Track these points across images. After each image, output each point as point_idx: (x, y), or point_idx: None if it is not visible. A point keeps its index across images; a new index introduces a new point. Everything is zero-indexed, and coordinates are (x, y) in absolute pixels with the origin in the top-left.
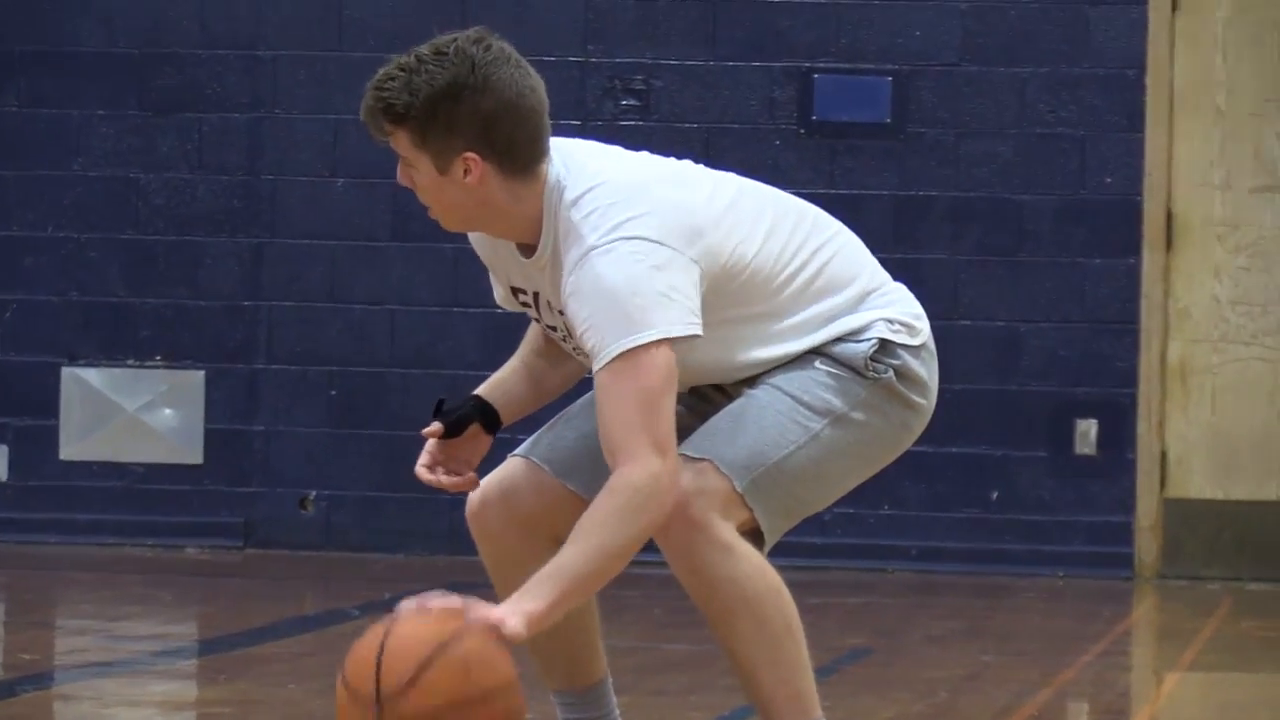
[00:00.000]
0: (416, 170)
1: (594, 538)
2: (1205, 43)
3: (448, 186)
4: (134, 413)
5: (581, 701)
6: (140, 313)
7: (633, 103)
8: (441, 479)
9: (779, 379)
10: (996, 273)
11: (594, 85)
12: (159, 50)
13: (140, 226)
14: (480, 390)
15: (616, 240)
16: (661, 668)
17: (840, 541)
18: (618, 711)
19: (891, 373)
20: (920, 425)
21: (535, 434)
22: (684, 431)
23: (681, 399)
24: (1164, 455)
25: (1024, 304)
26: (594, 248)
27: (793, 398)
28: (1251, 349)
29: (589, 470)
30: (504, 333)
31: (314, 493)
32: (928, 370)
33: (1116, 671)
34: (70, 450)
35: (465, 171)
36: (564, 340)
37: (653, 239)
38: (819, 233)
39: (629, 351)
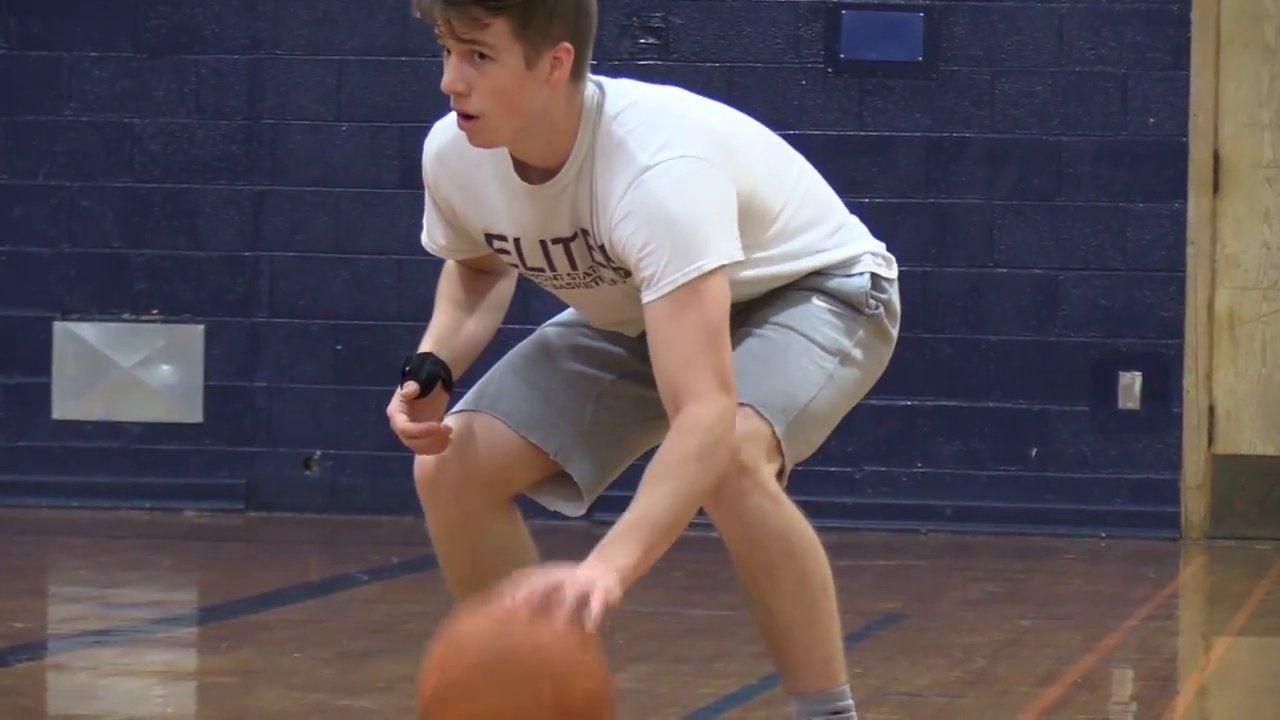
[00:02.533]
0: (498, 65)
1: (674, 481)
2: None
3: (529, 84)
4: (130, 369)
5: None
6: (136, 264)
7: (651, 41)
8: (420, 428)
9: (784, 317)
10: (1034, 218)
11: (610, 23)
12: None
13: (135, 174)
14: (428, 347)
15: (669, 159)
16: (683, 634)
17: (872, 501)
18: None
19: (883, 308)
20: (887, 360)
21: (474, 390)
22: (637, 375)
23: (623, 339)
24: (1211, 409)
25: (1063, 251)
26: (647, 167)
27: (806, 337)
28: None
29: (549, 422)
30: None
31: (318, 452)
32: (898, 304)
33: (1163, 636)
34: (63, 409)
35: (553, 66)
36: (553, 280)
37: (701, 155)
38: (794, 164)
39: (691, 281)
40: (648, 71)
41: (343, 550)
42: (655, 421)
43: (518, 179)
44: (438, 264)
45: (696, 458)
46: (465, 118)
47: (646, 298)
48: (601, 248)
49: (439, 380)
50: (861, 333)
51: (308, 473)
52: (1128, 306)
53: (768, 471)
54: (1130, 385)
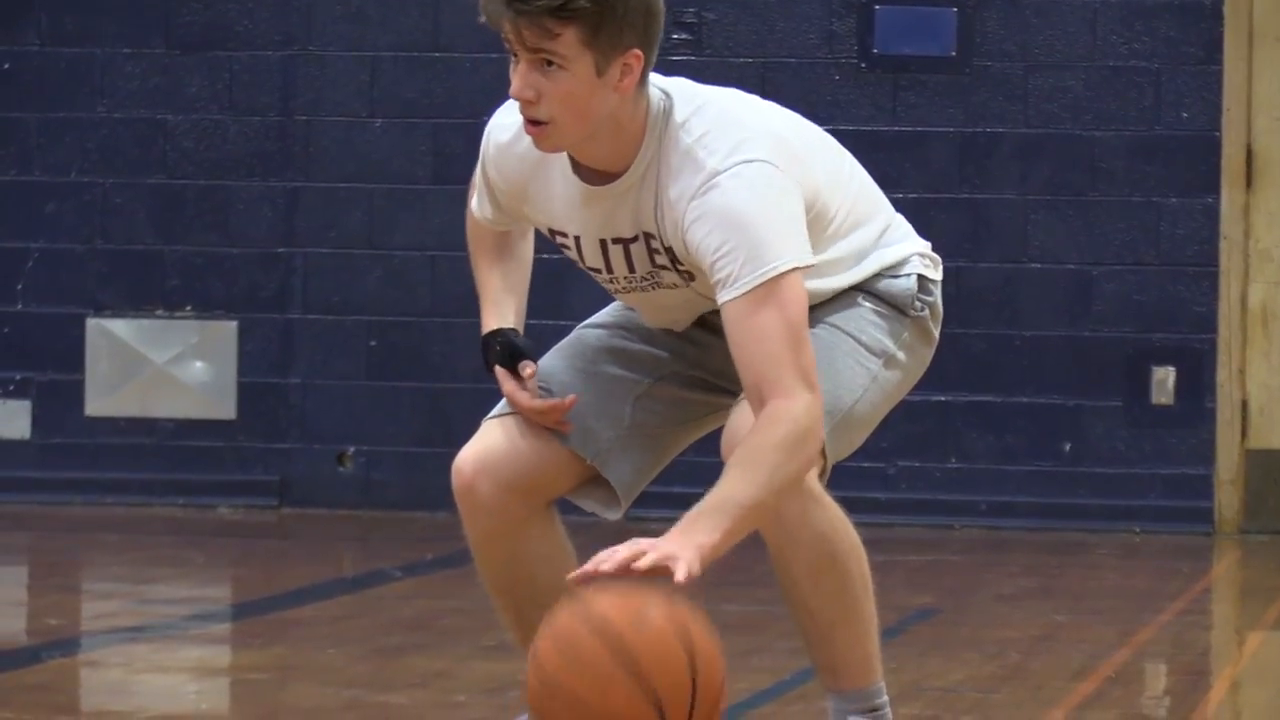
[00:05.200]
0: (568, 74)
1: (762, 469)
2: None
3: (598, 92)
4: (163, 366)
5: None
6: (169, 261)
7: (684, 36)
8: (554, 404)
9: (833, 318)
10: (1067, 213)
11: None
12: None
13: (169, 170)
14: (496, 321)
15: (739, 163)
16: (718, 629)
17: (906, 497)
18: None
19: (928, 310)
20: (929, 361)
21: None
22: (676, 378)
23: (662, 341)
24: (1245, 404)
25: (1096, 246)
26: (718, 171)
27: (852, 338)
28: None
29: (587, 428)
30: (551, 279)
31: (352, 448)
32: (941, 305)
33: (1196, 631)
34: (96, 406)
35: (623, 73)
36: (609, 282)
37: (771, 161)
38: (846, 162)
39: (768, 282)
40: (681, 68)
41: (377, 546)
42: (694, 423)
43: (576, 180)
44: (469, 260)
45: (784, 447)
46: (533, 124)
47: (724, 297)
48: (669, 250)
49: (527, 351)
50: (906, 334)
51: (341, 469)
52: (1161, 301)
53: (812, 475)
54: (1164, 380)
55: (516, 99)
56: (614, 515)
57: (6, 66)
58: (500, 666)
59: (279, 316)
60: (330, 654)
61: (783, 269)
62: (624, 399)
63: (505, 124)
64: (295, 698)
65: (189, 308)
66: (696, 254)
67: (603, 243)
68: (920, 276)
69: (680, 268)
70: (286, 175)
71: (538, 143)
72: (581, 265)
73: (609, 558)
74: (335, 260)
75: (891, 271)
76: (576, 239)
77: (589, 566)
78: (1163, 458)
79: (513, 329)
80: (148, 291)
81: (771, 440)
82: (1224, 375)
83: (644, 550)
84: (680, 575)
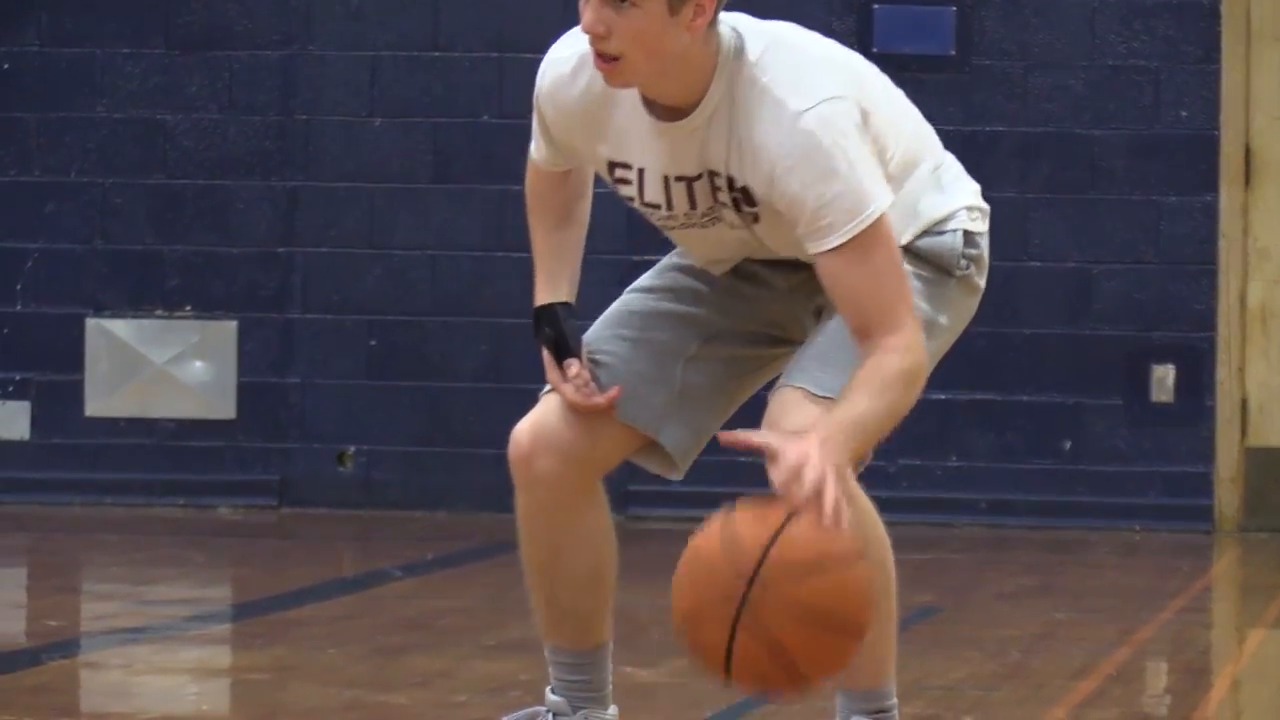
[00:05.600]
0: (640, 11)
1: (888, 395)
2: None
3: (670, 30)
4: (163, 366)
5: (582, 664)
6: (169, 261)
7: None
8: (598, 402)
9: None
10: (1067, 212)
11: None
12: None
13: (168, 170)
14: (548, 295)
15: (820, 102)
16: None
17: (906, 495)
18: (612, 681)
19: (973, 266)
20: (974, 311)
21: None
22: (724, 336)
23: (709, 299)
24: (1245, 402)
25: (1096, 244)
26: (802, 112)
27: None
28: None
29: (639, 396)
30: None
31: (352, 448)
32: (988, 255)
33: (1197, 629)
34: (96, 406)
35: (696, 13)
36: (666, 219)
37: (850, 98)
38: (899, 97)
39: (869, 228)
40: None
41: (377, 546)
42: (748, 377)
43: (646, 114)
44: (473, 258)
45: (905, 380)
46: (603, 59)
47: (825, 245)
48: (743, 190)
49: (574, 339)
50: (949, 294)
51: (341, 468)
52: (1160, 300)
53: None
54: (1163, 378)
55: (587, 33)
56: (676, 476)
57: (6, 66)
58: (501, 666)
59: (279, 316)
60: (330, 654)
61: (877, 214)
62: (674, 363)
63: (563, 58)
64: (295, 698)
65: (189, 307)
66: (792, 204)
67: (666, 179)
68: (966, 232)
69: (746, 209)
70: (286, 175)
71: (608, 78)
72: (637, 202)
73: (782, 474)
74: (335, 260)
75: (937, 228)
76: (640, 172)
77: (753, 439)
78: (1163, 456)
79: (564, 305)
80: (147, 291)
81: (896, 370)
82: (1223, 373)
83: (807, 480)
84: (830, 503)
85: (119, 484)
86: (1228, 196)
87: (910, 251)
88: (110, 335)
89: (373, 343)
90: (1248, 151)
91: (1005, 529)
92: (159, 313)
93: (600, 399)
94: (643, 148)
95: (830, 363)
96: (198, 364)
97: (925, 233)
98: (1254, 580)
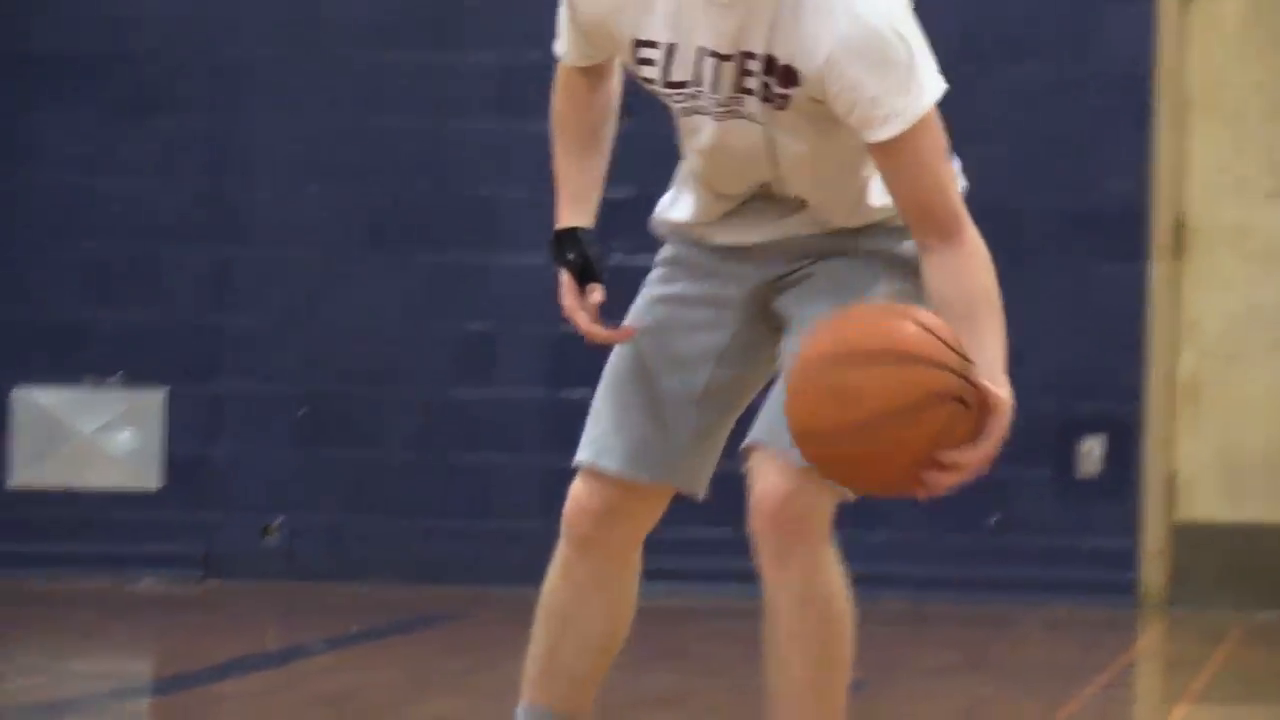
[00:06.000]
0: None
1: (992, 306)
2: (1217, 39)
3: None
4: (90, 435)
5: None
6: (98, 329)
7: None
8: (613, 334)
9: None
10: (998, 283)
11: None
12: (117, 49)
13: (98, 237)
14: (571, 217)
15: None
16: (640, 704)
17: None
18: None
19: None
20: None
21: (590, 439)
22: (726, 357)
23: (704, 320)
24: (1172, 476)
25: (1026, 315)
26: (863, 13)
27: None
28: (1266, 363)
29: (671, 462)
30: (476, 348)
31: (278, 519)
32: None
33: (1122, 704)
34: (20, 477)
35: None
36: (690, 100)
37: None
38: None
39: (925, 115)
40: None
41: (301, 619)
42: (752, 389)
43: None
44: (402, 329)
45: (991, 285)
46: None
47: (884, 134)
48: (785, 70)
49: (598, 265)
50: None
51: (266, 539)
52: (1090, 372)
53: (826, 530)
54: (1091, 451)
55: None
56: (699, 497)
57: None
58: None
59: (207, 385)
60: None
61: (929, 104)
62: (687, 409)
63: None
64: None
65: (117, 376)
66: (848, 89)
67: (700, 54)
68: None
69: (779, 92)
70: (218, 243)
71: None
72: (659, 85)
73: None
74: (265, 329)
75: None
76: (670, 47)
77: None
78: (1090, 530)
79: (588, 230)
80: (74, 360)
81: (986, 284)
82: (1152, 447)
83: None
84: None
85: (42, 556)
86: (1158, 268)
87: (888, 259)
88: (35, 405)
89: (301, 413)
90: (1179, 222)
91: (931, 603)
92: (86, 382)
93: (613, 333)
94: (676, 21)
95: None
96: (125, 433)
97: (901, 229)
98: (1180, 655)
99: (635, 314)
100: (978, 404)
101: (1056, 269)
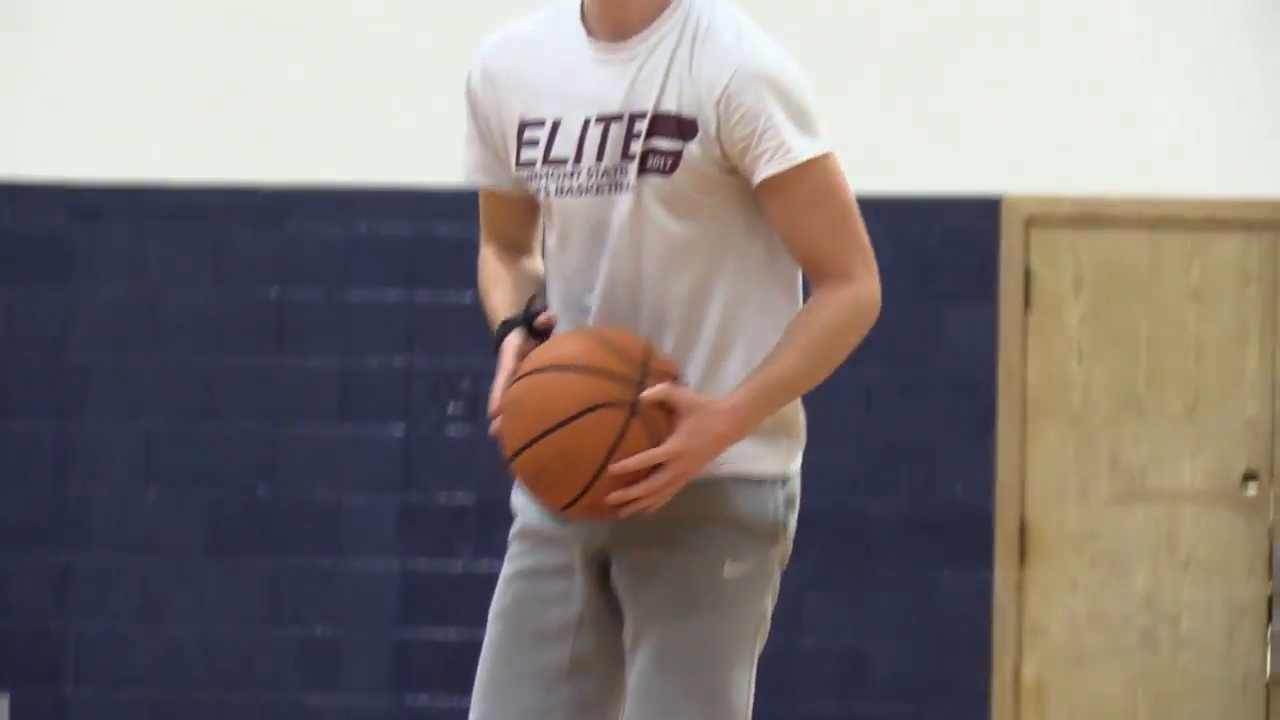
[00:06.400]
0: None
1: (815, 349)
2: (1058, 342)
3: None
4: None
5: None
6: None
7: (460, 408)
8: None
9: (699, 620)
10: (840, 588)
11: (420, 389)
12: None
13: None
14: (509, 311)
15: (774, 49)
16: None
17: None
18: None
19: (793, 521)
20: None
21: (477, 715)
22: (591, 623)
23: (562, 592)
24: None
25: (870, 621)
26: (759, 43)
27: (728, 639)
28: (1111, 667)
29: None
30: (320, 653)
31: None
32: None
33: None
34: None
35: None
36: (567, 179)
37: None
38: None
39: (818, 159)
40: (457, 440)
41: None
42: (625, 661)
43: (587, 41)
44: (246, 633)
45: (837, 326)
46: None
47: (771, 170)
48: (677, 122)
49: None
50: (774, 568)
51: None
52: (934, 677)
53: None
54: None
55: None
56: None
57: None
58: None
59: (51, 690)
60: None
61: (827, 149)
62: (559, 686)
63: (494, 35)
64: None
65: None
66: (743, 121)
67: (586, 122)
68: (789, 481)
69: (667, 150)
70: (59, 547)
71: None
72: (539, 165)
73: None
74: (109, 633)
75: (766, 486)
76: (555, 124)
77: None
78: None
79: (521, 316)
80: None
81: (823, 320)
82: None
83: (665, 467)
84: (659, 482)
85: None
86: (1002, 573)
87: (735, 529)
88: None
89: (146, 718)
90: (1023, 527)
91: None
92: None
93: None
94: (567, 89)
95: (666, 710)
96: None
97: (748, 493)
98: None
99: (496, 595)
100: (659, 412)
101: (900, 574)
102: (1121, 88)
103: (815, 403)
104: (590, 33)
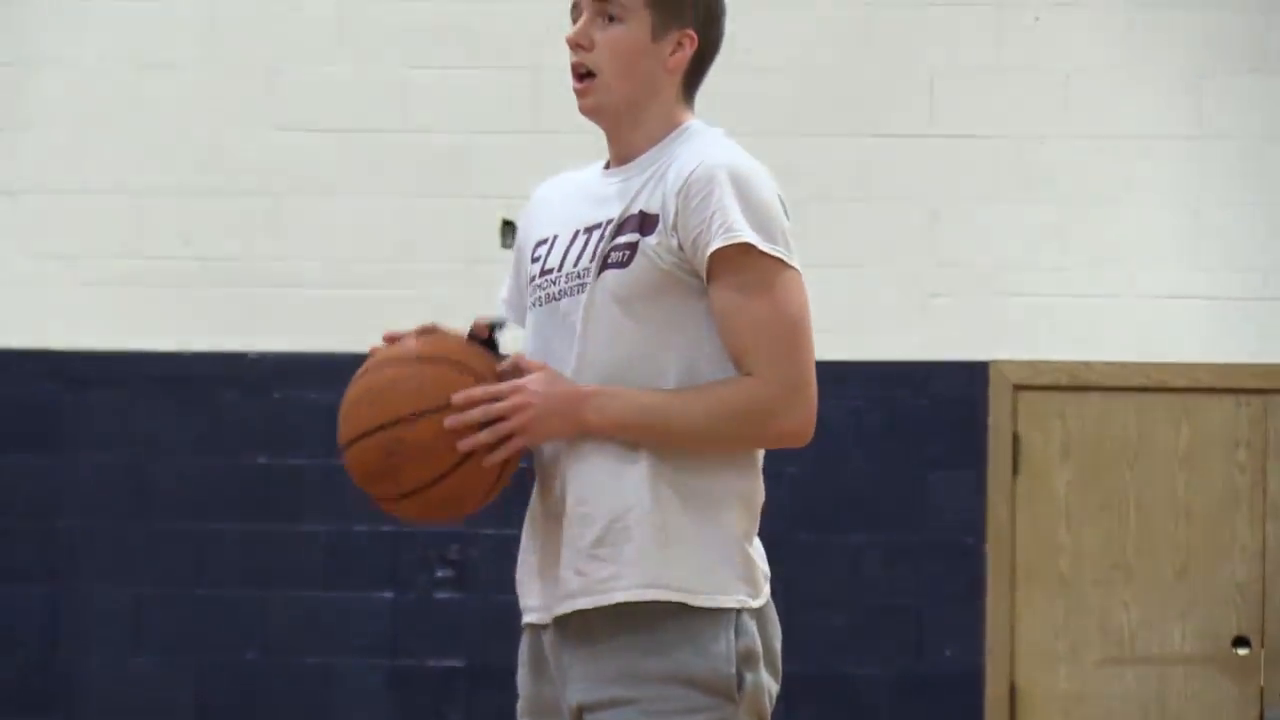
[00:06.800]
0: (625, 27)
1: (705, 402)
2: (1047, 505)
3: (647, 56)
4: None
5: None
6: None
7: (448, 573)
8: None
9: None
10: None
11: (408, 555)
12: None
13: None
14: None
15: (748, 158)
16: None
17: None
18: None
19: (756, 677)
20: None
21: None
22: None
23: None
24: None
25: None
26: (735, 150)
27: None
28: None
29: None
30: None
31: None
32: (777, 631)
33: None
34: None
35: (674, 49)
36: (549, 286)
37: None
38: None
39: (764, 255)
40: (445, 605)
41: None
42: None
43: (601, 171)
44: None
45: (727, 403)
46: (580, 78)
47: (715, 245)
48: (640, 218)
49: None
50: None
51: None
52: None
53: None
54: None
55: (573, 44)
56: None
57: None
58: None
59: None
60: None
61: (776, 254)
62: None
63: (549, 180)
64: None
65: None
66: (702, 205)
67: (575, 234)
68: (743, 624)
69: (624, 244)
70: (49, 713)
71: (581, 97)
72: (535, 279)
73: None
74: None
75: (709, 634)
76: (554, 239)
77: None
78: None
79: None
80: None
81: (734, 390)
82: None
83: (508, 408)
84: (498, 456)
85: None
86: None
87: (683, 683)
88: None
89: None
90: (1013, 690)
91: None
92: None
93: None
94: (572, 210)
95: None
96: None
97: (693, 638)
98: None
99: None
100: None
101: None
102: (1107, 253)
103: (803, 565)
104: (606, 165)
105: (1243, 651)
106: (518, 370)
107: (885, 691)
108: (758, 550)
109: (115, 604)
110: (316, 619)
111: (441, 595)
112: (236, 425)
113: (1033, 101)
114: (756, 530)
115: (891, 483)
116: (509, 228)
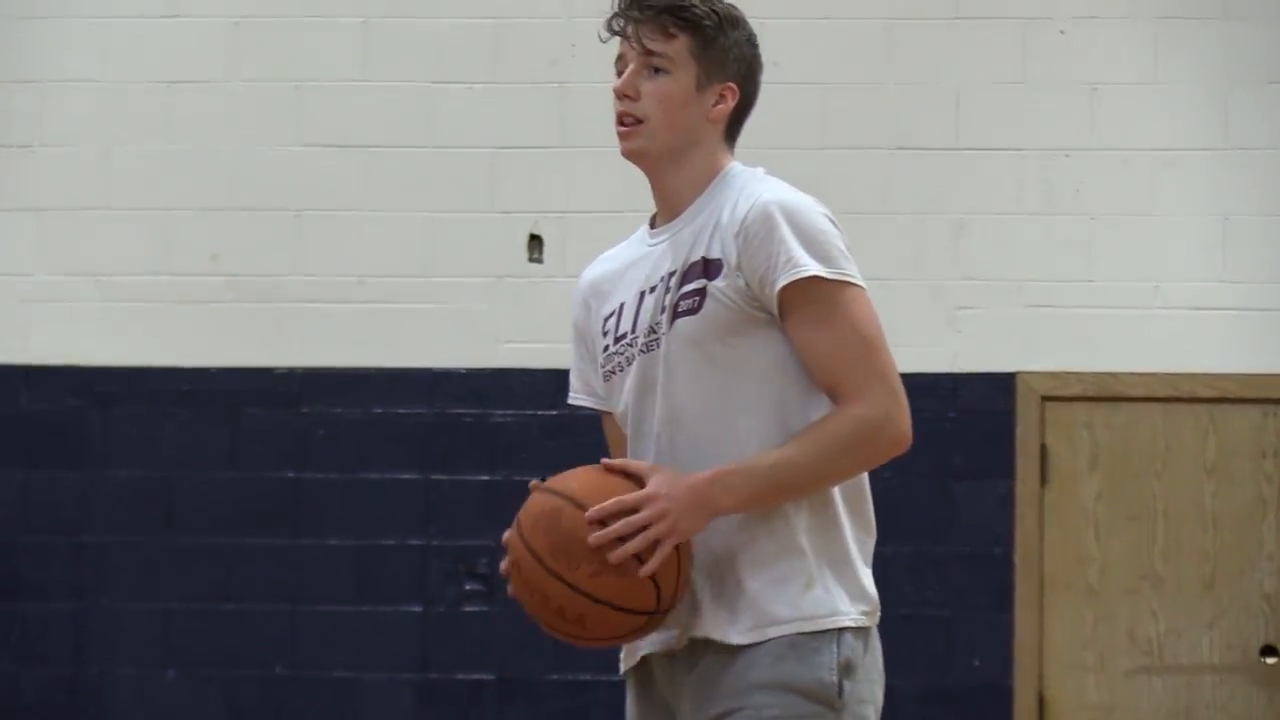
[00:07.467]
0: (671, 78)
1: (821, 445)
2: (1075, 518)
3: (691, 105)
4: None
5: None
6: None
7: (477, 587)
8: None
9: None
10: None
11: (437, 568)
12: None
13: None
14: None
15: (804, 195)
16: None
17: None
18: None
19: (858, 687)
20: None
21: None
22: None
23: None
24: None
25: None
26: (783, 187)
27: None
28: None
29: None
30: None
31: None
32: (878, 653)
33: None
34: None
35: (717, 100)
36: (624, 353)
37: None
38: None
39: (834, 282)
40: (474, 618)
41: None
42: None
43: (647, 233)
44: None
45: (849, 435)
46: (625, 124)
47: (781, 282)
48: (703, 264)
49: None
50: None
51: None
52: None
53: None
54: None
55: (620, 93)
56: None
57: None
58: None
59: None
60: None
61: (844, 278)
62: None
63: (595, 260)
64: None
65: None
66: (758, 249)
67: (640, 295)
68: (844, 645)
69: (692, 289)
70: None
71: (625, 141)
72: (610, 348)
73: (627, 529)
74: None
75: (814, 643)
76: (619, 308)
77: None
78: None
79: None
80: None
81: (838, 423)
82: None
83: (650, 536)
84: (652, 565)
85: None
86: None
87: (784, 690)
88: None
89: None
90: (1041, 701)
91: None
92: None
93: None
94: (630, 278)
95: None
96: None
97: (797, 650)
98: None
99: None
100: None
101: None
102: (1134, 264)
103: None
104: (652, 225)
105: (1271, 660)
106: (629, 474)
107: (914, 702)
108: (868, 576)
109: (143, 619)
110: (345, 633)
111: (470, 609)
112: (264, 440)
113: (1058, 115)
114: (870, 553)
115: (920, 494)
116: (536, 242)
